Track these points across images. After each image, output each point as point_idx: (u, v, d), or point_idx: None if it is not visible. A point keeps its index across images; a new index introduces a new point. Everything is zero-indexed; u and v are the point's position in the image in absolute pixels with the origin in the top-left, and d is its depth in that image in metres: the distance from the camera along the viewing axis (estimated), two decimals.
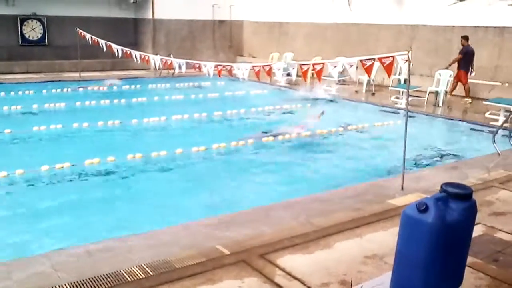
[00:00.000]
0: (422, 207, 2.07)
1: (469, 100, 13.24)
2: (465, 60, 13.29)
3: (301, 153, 8.98)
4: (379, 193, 6.11)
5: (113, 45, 14.15)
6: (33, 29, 18.72)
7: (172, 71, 16.95)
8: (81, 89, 15.13)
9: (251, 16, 22.48)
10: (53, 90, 14.53)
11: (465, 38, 13.49)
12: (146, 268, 4.00)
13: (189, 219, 5.20)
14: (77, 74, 17.04)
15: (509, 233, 4.93)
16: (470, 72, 13.37)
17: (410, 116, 7.05)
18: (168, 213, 5.95)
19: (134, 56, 12.42)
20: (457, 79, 13.36)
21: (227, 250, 4.36)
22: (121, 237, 4.71)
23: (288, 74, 14.07)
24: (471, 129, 10.61)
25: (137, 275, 3.90)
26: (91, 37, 15.59)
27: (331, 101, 14.32)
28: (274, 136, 9.71)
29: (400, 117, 11.38)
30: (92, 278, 3.83)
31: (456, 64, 13.40)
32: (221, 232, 4.82)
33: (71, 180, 7.16)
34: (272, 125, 10.93)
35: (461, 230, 2.15)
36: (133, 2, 19.83)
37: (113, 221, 5.67)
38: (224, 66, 8.16)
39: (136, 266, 4.03)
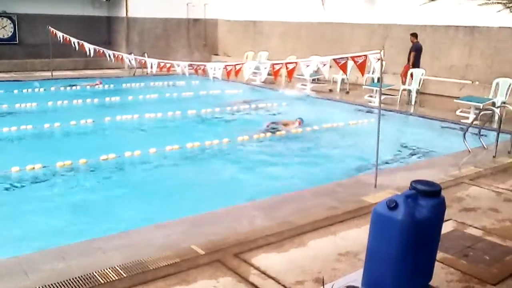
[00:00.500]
0: (392, 205, 2.10)
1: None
2: (417, 56, 13.75)
3: (275, 151, 9.01)
4: (353, 191, 6.17)
5: (85, 44, 13.96)
6: (3, 28, 18.33)
7: (146, 70, 16.80)
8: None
9: (226, 15, 22.44)
10: (24, 90, 14.26)
11: (414, 35, 14.05)
12: (120, 270, 3.96)
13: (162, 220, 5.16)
14: (49, 73, 16.75)
15: (479, 229, 5.04)
16: (419, 66, 13.82)
17: (384, 115, 7.14)
18: (144, 212, 5.90)
19: (107, 55, 12.26)
20: (405, 73, 13.63)
21: (201, 250, 4.35)
22: (94, 238, 4.65)
23: (261, 74, 14.20)
24: (443, 126, 10.80)
25: (110, 277, 3.86)
26: (63, 36, 15.33)
27: (305, 100, 14.40)
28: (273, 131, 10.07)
29: (374, 116, 11.51)
30: (64, 281, 3.78)
31: (411, 60, 13.81)
32: (195, 232, 4.80)
33: (43, 181, 7.04)
34: (245, 125, 10.96)
35: (430, 227, 2.19)
36: (107, 0, 19.57)
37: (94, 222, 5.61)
38: (198, 66, 8.11)
39: (109, 268, 3.98)
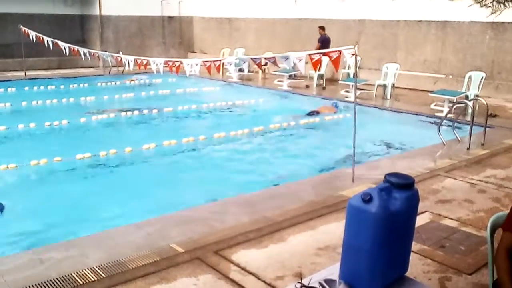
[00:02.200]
0: (366, 198, 2.12)
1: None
2: (323, 47, 14.29)
3: (253, 147, 9.03)
4: (331, 185, 6.23)
5: (60, 42, 13.74)
6: None
7: (122, 68, 16.65)
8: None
9: (201, 12, 22.34)
10: None
11: (322, 28, 15.51)
12: (98, 270, 3.93)
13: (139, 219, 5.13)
14: (22, 73, 16.45)
15: (454, 220, 5.14)
16: None
17: (360, 109, 7.20)
18: (122, 210, 5.86)
19: (82, 53, 12.09)
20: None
21: (181, 248, 4.34)
22: (72, 239, 4.61)
23: (240, 70, 14.21)
24: (418, 120, 10.96)
25: (89, 277, 3.82)
26: (35, 35, 15.07)
27: (282, 95, 14.45)
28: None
29: (350, 110, 11.61)
30: (41, 283, 3.73)
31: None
32: (174, 230, 4.79)
33: (20, 180, 6.95)
34: (228, 120, 10.97)
35: (404, 218, 2.22)
36: None
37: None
38: (174, 62, 8.06)
39: (88, 269, 3.95)
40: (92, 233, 4.78)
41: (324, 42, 14.98)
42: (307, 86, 15.28)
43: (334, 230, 4.81)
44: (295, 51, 7.65)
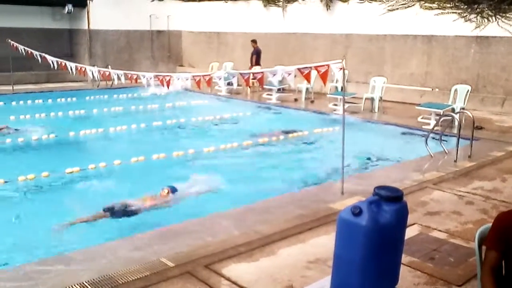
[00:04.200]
0: (356, 211, 2.16)
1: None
2: (257, 58, 16.91)
3: (242, 161, 9.04)
4: (321, 198, 6.26)
5: (48, 56, 13.70)
6: None
7: (110, 82, 16.63)
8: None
9: (189, 26, 22.45)
10: None
11: (254, 41, 17.25)
12: (88, 286, 3.90)
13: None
14: (10, 87, 16.35)
15: (443, 232, 5.19)
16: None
17: (348, 122, 7.27)
18: (112, 227, 5.82)
19: (69, 68, 12.06)
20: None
21: (171, 263, 4.32)
22: (61, 254, 4.57)
23: (229, 84, 14.29)
24: (405, 133, 11.06)
25: None
26: (24, 49, 15.01)
27: (271, 109, 14.52)
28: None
29: (338, 124, 11.68)
30: None
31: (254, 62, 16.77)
32: (164, 244, 4.77)
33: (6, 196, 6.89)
34: (217, 134, 10.98)
35: (394, 231, 2.26)
36: (67, 12, 19.30)
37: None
38: (163, 77, 8.09)
39: (78, 284, 3.92)
40: (81, 248, 4.74)
41: (258, 54, 16.99)
42: (296, 100, 15.37)
43: (324, 243, 4.82)
44: (283, 65, 7.72)
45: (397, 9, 15.02)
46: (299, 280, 4.04)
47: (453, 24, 13.81)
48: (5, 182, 7.25)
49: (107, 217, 6.09)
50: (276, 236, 4.98)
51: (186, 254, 4.50)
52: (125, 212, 6.22)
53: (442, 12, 14.03)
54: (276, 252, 4.63)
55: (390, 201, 2.21)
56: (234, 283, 4.01)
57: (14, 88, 16.33)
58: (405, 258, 4.37)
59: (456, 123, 8.87)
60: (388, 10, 15.11)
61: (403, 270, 3.94)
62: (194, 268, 4.24)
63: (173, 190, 6.86)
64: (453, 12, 13.82)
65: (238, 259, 4.45)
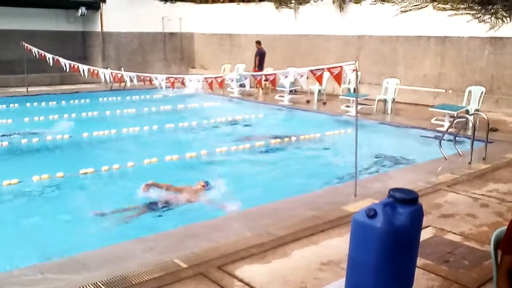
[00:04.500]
0: (371, 213, 2.14)
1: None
2: (261, 59, 17.14)
3: (253, 163, 9.04)
4: (333, 200, 6.23)
5: (60, 59, 13.82)
6: None
7: (123, 84, 16.73)
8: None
9: (202, 28, 22.53)
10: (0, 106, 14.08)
11: (259, 42, 17.49)
12: (102, 286, 3.92)
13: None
14: (24, 89, 16.54)
15: (458, 234, 5.14)
16: (262, 69, 16.56)
17: (361, 124, 7.23)
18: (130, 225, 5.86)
19: (82, 70, 12.16)
20: None
21: (184, 264, 4.33)
22: (75, 254, 4.60)
23: (241, 85, 14.31)
24: (419, 134, 10.98)
25: None
26: (38, 51, 15.17)
27: (283, 110, 14.51)
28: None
29: (351, 125, 11.64)
30: None
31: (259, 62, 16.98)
32: (177, 245, 4.79)
33: (23, 196, 6.95)
34: (229, 135, 10.99)
35: (409, 233, 2.24)
36: (81, 15, 19.48)
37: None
38: (176, 78, 8.13)
39: (92, 284, 3.94)
40: (95, 248, 4.78)
41: (261, 55, 17.17)
42: (308, 102, 15.34)
43: (337, 245, 4.80)
44: (296, 67, 7.73)
45: (410, 10, 14.91)
46: (312, 282, 4.03)
47: (467, 25, 13.64)
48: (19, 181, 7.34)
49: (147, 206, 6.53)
50: (289, 238, 4.97)
51: (198, 255, 4.50)
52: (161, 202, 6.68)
53: (455, 13, 13.90)
54: (289, 254, 4.62)
55: (405, 204, 2.19)
56: (247, 284, 4.01)
57: (28, 90, 16.51)
58: (419, 261, 4.33)
59: (470, 125, 8.79)
60: (401, 11, 15.00)
61: (417, 273, 3.89)
62: (207, 269, 4.24)
63: (207, 184, 7.23)
64: (467, 13, 13.68)
65: (251, 260, 4.45)
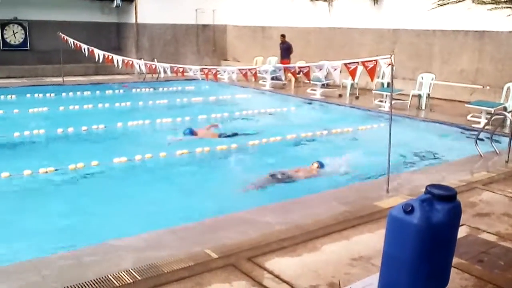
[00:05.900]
0: (408, 209, 2.11)
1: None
2: (284, 53, 17.38)
3: (285, 156, 9.02)
4: (365, 196, 6.17)
5: (95, 50, 14.06)
6: (14, 34, 18.53)
7: (156, 75, 16.91)
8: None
9: (235, 21, 22.54)
10: (36, 95, 14.41)
11: (283, 36, 17.77)
12: (134, 273, 3.99)
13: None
14: (60, 79, 16.90)
15: (493, 234, 5.02)
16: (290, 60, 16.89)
17: (394, 119, 7.12)
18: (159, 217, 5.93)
19: (116, 61, 12.33)
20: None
21: (215, 254, 4.36)
22: (109, 241, 4.69)
23: (276, 78, 14.28)
24: (454, 131, 10.75)
25: (124, 280, 3.88)
26: (73, 42, 15.47)
27: (314, 104, 14.42)
28: None
29: (384, 120, 11.49)
30: (78, 284, 3.81)
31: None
32: (208, 236, 4.82)
33: (59, 184, 7.12)
34: (257, 128, 11.00)
35: (446, 231, 2.19)
36: (116, 6, 19.75)
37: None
38: (209, 70, 8.16)
39: (124, 271, 4.01)
40: (127, 236, 4.85)
41: (286, 49, 17.39)
42: (340, 96, 15.20)
43: (368, 240, 4.76)
44: (329, 60, 7.65)
45: (448, 3, 14.58)
46: (343, 277, 4.00)
47: (507, 20, 13.29)
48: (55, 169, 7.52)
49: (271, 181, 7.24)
50: (320, 232, 4.94)
51: (229, 247, 4.52)
52: (282, 179, 7.43)
53: (495, 7, 13.53)
54: (319, 248, 4.59)
55: (443, 200, 2.15)
56: (277, 276, 4.01)
57: (64, 79, 16.87)
58: (453, 260, 4.26)
59: (508, 122, 8.55)
60: (438, 5, 14.69)
61: (451, 272, 3.84)
62: (238, 261, 4.26)
63: (321, 165, 7.86)
64: (507, 7, 13.29)
65: (282, 253, 4.45)
